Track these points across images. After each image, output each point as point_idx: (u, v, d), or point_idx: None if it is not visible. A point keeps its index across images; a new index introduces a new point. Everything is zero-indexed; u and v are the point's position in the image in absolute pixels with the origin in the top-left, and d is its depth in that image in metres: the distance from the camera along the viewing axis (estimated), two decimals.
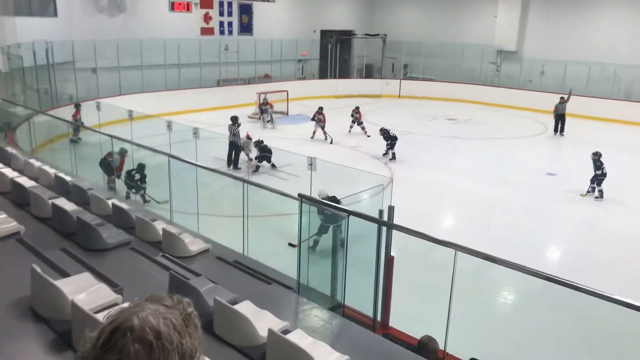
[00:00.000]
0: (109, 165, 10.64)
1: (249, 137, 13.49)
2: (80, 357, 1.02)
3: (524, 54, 24.22)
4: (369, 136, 16.69)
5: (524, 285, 6.96)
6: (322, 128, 16.31)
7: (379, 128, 14.80)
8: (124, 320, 1.02)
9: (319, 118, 16.34)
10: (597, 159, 11.57)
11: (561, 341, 6.19)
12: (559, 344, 6.12)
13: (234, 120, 13.71)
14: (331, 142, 16.01)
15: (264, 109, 18.79)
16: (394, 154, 14.36)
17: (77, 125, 13.91)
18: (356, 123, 17.41)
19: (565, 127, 18.01)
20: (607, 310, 3.99)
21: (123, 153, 10.68)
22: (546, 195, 11.87)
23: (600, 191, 11.41)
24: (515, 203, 11.28)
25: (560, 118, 17.97)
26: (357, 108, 17.66)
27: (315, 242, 7.08)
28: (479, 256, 4.32)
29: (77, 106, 15.17)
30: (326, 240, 6.33)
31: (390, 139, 14.40)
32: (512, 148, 16.49)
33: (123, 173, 10.71)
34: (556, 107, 18.03)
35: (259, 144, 12.96)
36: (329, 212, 6.58)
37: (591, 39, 21.85)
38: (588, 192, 11.59)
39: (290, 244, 7.99)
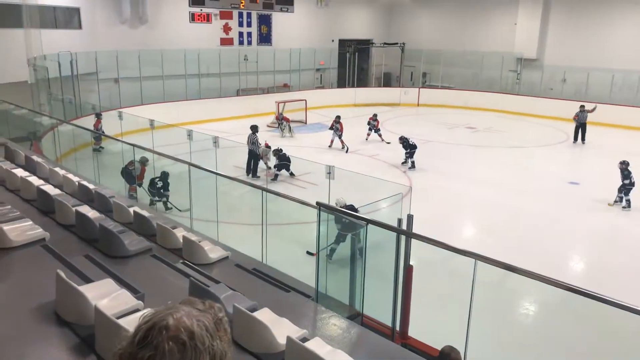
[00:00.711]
0: (131, 174, 10.80)
1: (267, 146, 13.59)
2: (117, 354, 1.07)
3: (545, 61, 23.96)
4: (388, 143, 16.72)
5: (546, 296, 6.85)
6: (340, 137, 16.33)
7: (399, 136, 14.78)
8: (159, 320, 1.07)
9: (336, 127, 16.34)
10: (624, 167, 11.35)
11: (583, 353, 6.06)
12: (581, 356, 6.00)
13: (254, 129, 13.83)
14: (347, 151, 15.99)
15: (280, 123, 18.93)
16: (413, 162, 14.31)
17: (98, 134, 14.20)
18: (373, 130, 17.42)
19: (588, 135, 17.72)
20: (632, 323, 3.91)
21: (144, 162, 10.85)
22: (568, 204, 11.68)
23: (628, 201, 11.19)
24: (536, 212, 11.11)
25: (581, 127, 17.72)
26: (375, 115, 17.69)
27: (332, 250, 7.08)
28: (500, 266, 4.27)
29: (98, 115, 15.52)
30: (344, 249, 6.33)
31: (409, 147, 14.35)
32: (533, 157, 16.29)
33: (146, 181, 10.87)
34: (576, 115, 17.74)
35: (278, 153, 13.04)
36: (347, 221, 6.59)
37: (614, 45, 21.52)
38: (616, 201, 11.37)
39: (308, 252, 7.99)
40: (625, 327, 5.29)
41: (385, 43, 27.57)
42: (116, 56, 18.63)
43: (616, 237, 10.42)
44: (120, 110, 14.91)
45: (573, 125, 17.97)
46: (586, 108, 17.71)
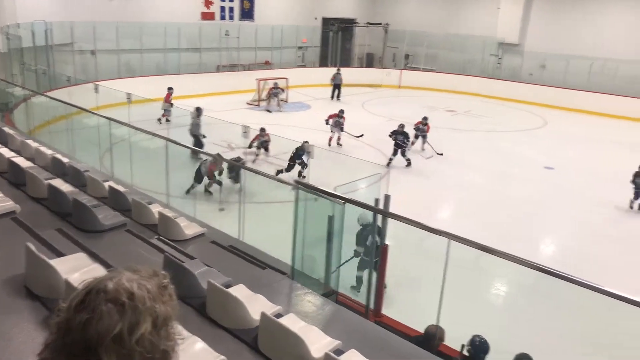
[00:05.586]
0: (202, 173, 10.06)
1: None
2: (55, 323, 1.03)
3: (526, 47, 24.11)
4: (440, 154, 14.08)
5: (518, 276, 7.02)
6: (341, 129, 14.59)
7: (399, 124, 13.35)
8: (98, 283, 1.03)
9: (337, 121, 14.56)
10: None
11: (555, 333, 6.24)
12: (553, 336, 6.17)
13: (198, 111, 12.86)
14: (339, 145, 14.69)
15: (275, 93, 18.82)
16: (409, 160, 13.05)
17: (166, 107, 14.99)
18: (423, 137, 14.48)
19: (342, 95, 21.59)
20: (598, 303, 4.03)
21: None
22: (542, 188, 11.90)
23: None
24: (511, 196, 11.30)
25: (336, 87, 21.57)
26: (426, 119, 14.58)
27: (359, 281, 6.81)
28: (473, 245, 4.34)
29: (169, 89, 15.62)
30: (321, 228, 6.30)
31: (400, 139, 13.01)
32: (510, 141, 16.50)
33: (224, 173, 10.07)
34: (334, 76, 21.76)
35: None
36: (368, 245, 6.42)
37: (593, 34, 21.74)
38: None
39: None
40: (594, 307, 5.45)
41: (368, 23, 27.33)
42: (93, 27, 18.11)
43: (590, 223, 10.58)
44: (97, 83, 14.55)
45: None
46: (340, 72, 21.91)
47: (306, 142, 11.29)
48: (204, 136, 12.49)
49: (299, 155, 11.10)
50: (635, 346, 6.15)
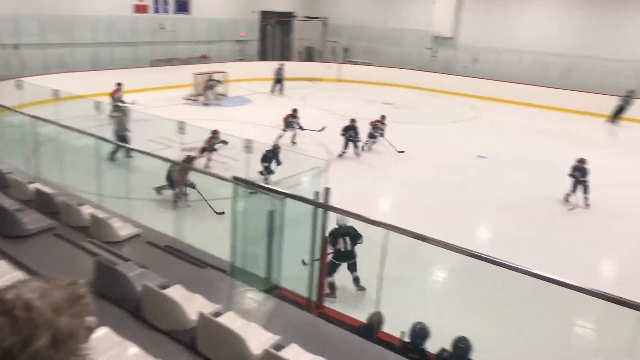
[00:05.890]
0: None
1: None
2: None
3: (459, 40, 24.91)
4: (401, 152, 13.70)
5: (457, 264, 7.27)
6: (301, 128, 14.12)
7: (350, 119, 13.42)
8: None
9: (293, 122, 14.09)
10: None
11: (493, 316, 6.51)
12: (490, 319, 6.44)
13: (124, 112, 12.48)
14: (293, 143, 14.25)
15: (210, 85, 18.57)
16: (362, 146, 13.37)
17: (115, 103, 14.46)
18: (381, 135, 14.01)
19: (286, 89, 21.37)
20: (528, 283, 4.23)
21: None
22: (476, 177, 12.37)
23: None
24: (447, 185, 11.65)
25: (279, 81, 21.49)
26: (383, 117, 14.16)
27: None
28: (410, 235, 4.44)
29: (118, 84, 15.51)
30: (261, 223, 6.25)
31: (352, 131, 13.14)
32: (444, 132, 17.03)
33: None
34: (277, 71, 21.58)
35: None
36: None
37: (525, 28, 22.74)
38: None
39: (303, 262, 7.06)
40: (522, 287, 5.73)
41: (307, 17, 27.31)
42: (16, 20, 17.01)
43: (524, 207, 11.05)
44: (20, 79, 13.68)
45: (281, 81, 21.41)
46: (284, 66, 21.98)
47: (277, 145, 11.15)
48: (127, 130, 11.89)
49: (269, 158, 10.75)
50: (563, 321, 6.54)
